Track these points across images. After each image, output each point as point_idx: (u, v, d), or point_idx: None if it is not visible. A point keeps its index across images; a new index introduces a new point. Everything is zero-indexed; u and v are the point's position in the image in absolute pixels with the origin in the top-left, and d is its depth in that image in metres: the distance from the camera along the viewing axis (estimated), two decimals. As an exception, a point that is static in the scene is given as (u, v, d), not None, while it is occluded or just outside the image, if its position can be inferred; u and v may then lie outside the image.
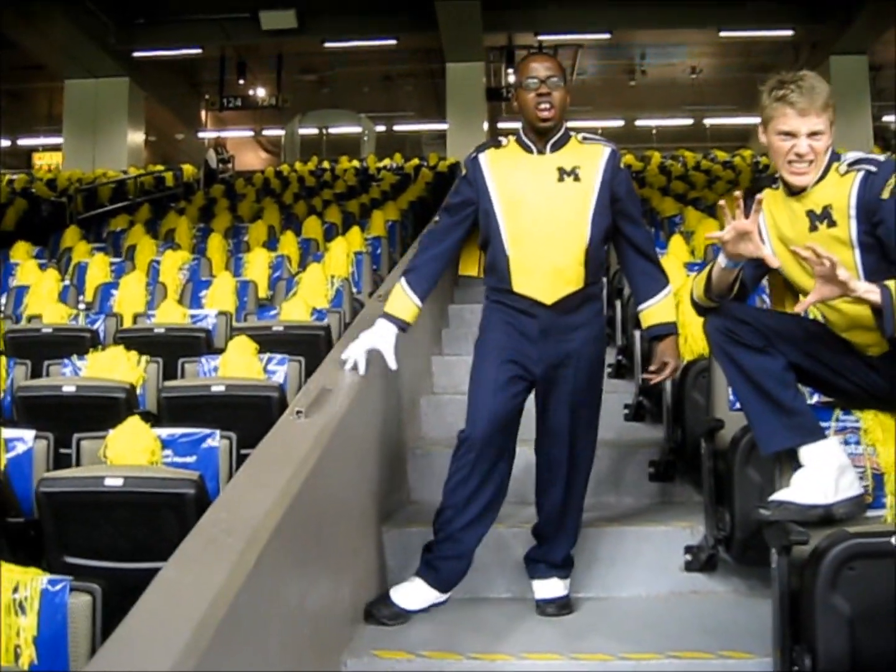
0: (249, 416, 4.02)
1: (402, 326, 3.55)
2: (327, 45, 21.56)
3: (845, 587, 2.55)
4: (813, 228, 2.89)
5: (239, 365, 4.57)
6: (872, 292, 2.65)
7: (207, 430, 3.56)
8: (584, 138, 3.52)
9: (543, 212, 3.39)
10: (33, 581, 2.29)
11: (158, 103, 23.70)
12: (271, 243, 9.30)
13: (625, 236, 3.54)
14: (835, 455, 2.87)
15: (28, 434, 3.65)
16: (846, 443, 3.00)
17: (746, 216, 2.87)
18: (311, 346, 5.18)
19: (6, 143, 26.24)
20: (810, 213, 2.89)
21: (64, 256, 9.36)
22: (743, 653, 3.10)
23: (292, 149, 25.52)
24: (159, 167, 19.95)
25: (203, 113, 26.97)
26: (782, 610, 2.71)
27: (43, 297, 6.90)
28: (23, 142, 27.36)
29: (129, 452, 3.39)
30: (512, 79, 23.07)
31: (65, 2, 17.85)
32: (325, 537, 3.10)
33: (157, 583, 2.20)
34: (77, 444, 3.63)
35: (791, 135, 2.86)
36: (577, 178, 3.42)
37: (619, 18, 20.05)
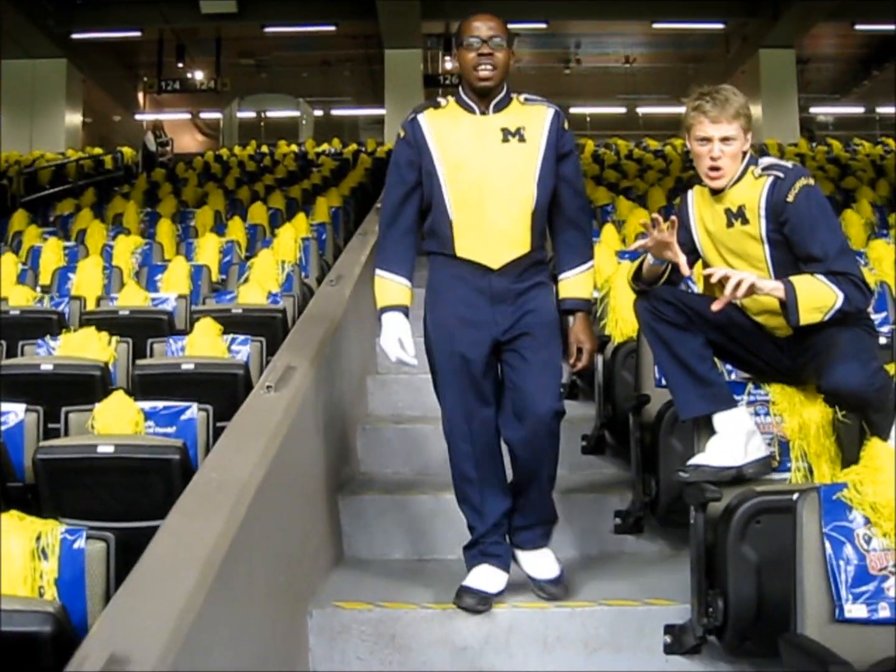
0: (217, 391, 4.32)
1: (406, 312, 3.41)
2: (267, 30, 21.65)
3: (753, 539, 2.88)
4: (729, 224, 3.27)
5: (205, 345, 4.88)
6: (777, 290, 3.08)
7: (186, 404, 3.88)
8: (527, 99, 3.40)
9: (488, 173, 3.27)
10: (53, 530, 2.61)
11: (96, 85, 23.57)
12: (219, 228, 9.54)
13: (559, 202, 3.41)
14: (744, 422, 3.25)
15: (19, 407, 3.94)
16: (756, 413, 3.37)
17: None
18: (269, 327, 5.52)
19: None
20: (728, 211, 3.27)
21: (14, 240, 9.54)
22: (665, 600, 3.43)
23: (231, 132, 25.61)
24: (98, 150, 19.89)
25: (141, 95, 26.87)
26: (699, 560, 3.07)
27: (2, 281, 7.12)
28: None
29: (116, 423, 3.70)
30: (449, 66, 23.40)
31: (1, -18, 17.77)
32: (295, 498, 3.46)
33: (164, 530, 2.54)
34: (65, 416, 3.94)
35: (706, 140, 3.23)
36: (521, 139, 3.32)
37: (556, 9, 20.26)
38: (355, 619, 3.41)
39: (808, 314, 3.09)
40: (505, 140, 3.31)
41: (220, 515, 2.59)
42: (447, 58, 23.06)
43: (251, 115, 26.87)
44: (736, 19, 21.48)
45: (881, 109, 27.12)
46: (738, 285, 3.03)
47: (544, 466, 3.40)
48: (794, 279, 3.10)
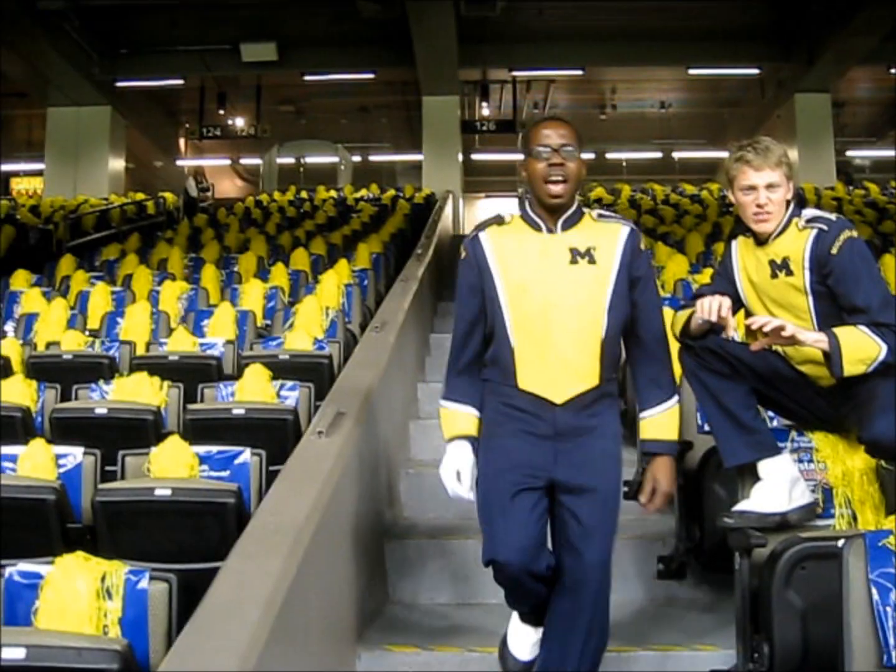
0: (267, 436, 4.44)
1: (472, 441, 3.15)
2: (306, 77, 21.94)
3: (798, 584, 2.94)
4: (773, 276, 3.34)
5: (255, 390, 5.00)
6: (821, 341, 3.13)
7: (239, 448, 3.98)
8: (600, 216, 3.14)
9: (554, 298, 3.00)
10: (118, 571, 2.71)
11: (138, 131, 23.89)
12: (262, 274, 9.71)
13: (636, 331, 3.15)
14: (788, 468, 3.31)
15: (77, 450, 4.06)
16: (800, 460, 3.44)
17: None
18: (316, 373, 5.62)
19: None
20: (772, 263, 3.34)
21: (62, 285, 9.74)
22: (710, 646, 3.52)
23: (270, 178, 25.89)
24: (140, 195, 20.20)
25: (182, 141, 27.25)
26: (744, 606, 3.14)
27: (52, 325, 7.30)
28: (3, 167, 27.54)
29: (172, 467, 3.81)
30: (486, 111, 23.59)
31: (50, 32, 18.03)
32: (345, 541, 3.55)
33: (225, 571, 2.64)
34: (122, 459, 4.05)
35: (752, 188, 3.28)
36: (592, 261, 3.03)
37: (592, 55, 20.44)
38: (403, 661, 3.51)
39: (852, 366, 3.13)
40: (573, 262, 3.04)
41: (279, 557, 2.68)
42: (483, 104, 23.24)
43: (290, 160, 27.16)
44: (771, 64, 21.42)
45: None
46: (778, 329, 3.08)
47: (590, 620, 3.08)
48: (838, 330, 3.15)
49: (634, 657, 3.47)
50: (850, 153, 26.85)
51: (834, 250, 3.22)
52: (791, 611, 2.95)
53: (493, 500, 3.02)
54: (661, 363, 3.19)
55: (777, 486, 3.29)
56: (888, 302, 3.25)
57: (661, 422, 3.17)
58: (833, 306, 3.27)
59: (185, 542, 3.45)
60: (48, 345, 6.85)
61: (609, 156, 26.55)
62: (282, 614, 2.47)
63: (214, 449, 3.98)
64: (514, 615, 3.32)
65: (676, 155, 27.66)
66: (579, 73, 21.56)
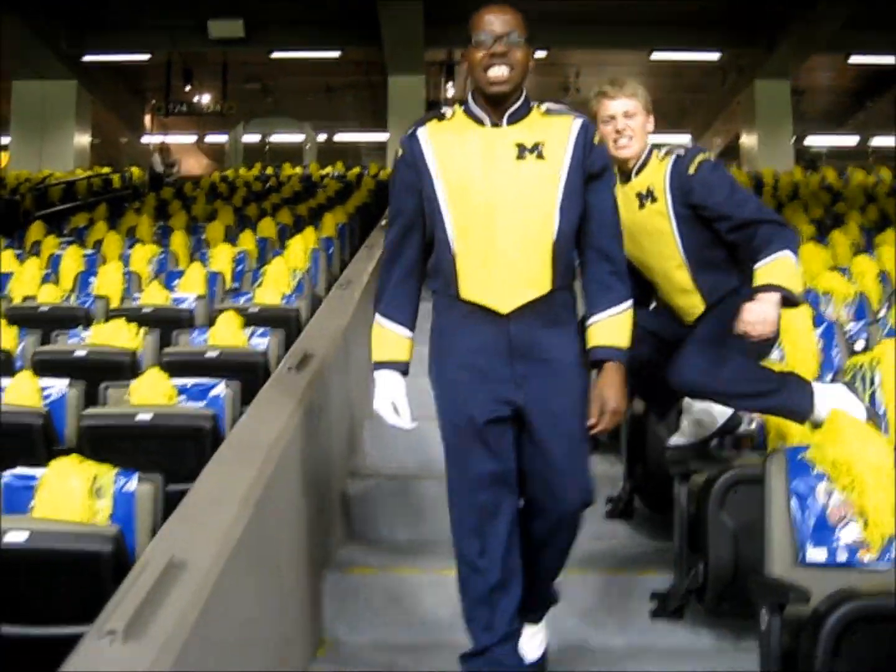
0: (239, 378, 4.66)
1: (403, 369, 2.91)
2: (273, 55, 22.06)
3: (731, 507, 3.19)
4: (641, 206, 3.44)
5: (227, 336, 5.24)
6: (771, 301, 3.18)
7: (215, 381, 4.23)
8: (549, 109, 2.85)
9: (499, 197, 2.74)
10: (108, 473, 2.96)
11: (104, 107, 23.92)
12: (230, 240, 9.93)
13: (587, 232, 2.86)
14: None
15: (62, 382, 4.30)
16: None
17: None
18: (286, 324, 5.88)
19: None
20: (639, 195, 3.45)
21: (33, 248, 9.92)
22: (651, 571, 3.66)
23: (235, 155, 26.00)
24: (106, 169, 20.30)
25: (147, 117, 27.27)
26: (681, 529, 3.43)
27: (26, 283, 7.50)
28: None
29: (151, 396, 4.04)
30: (451, 92, 23.76)
31: (17, 4, 18.12)
32: (313, 464, 3.77)
33: (205, 475, 2.88)
34: (104, 391, 4.29)
35: (611, 118, 3.39)
36: (540, 156, 2.76)
37: (555, 38, 20.63)
38: (363, 582, 3.70)
39: (796, 285, 3.23)
40: (520, 157, 2.77)
41: (252, 467, 2.89)
42: (449, 84, 23.44)
43: (256, 138, 27.28)
44: (732, 50, 21.81)
45: (875, 140, 27.64)
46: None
47: (557, 563, 3.01)
48: (767, 278, 3.23)
49: (581, 579, 3.57)
50: (809, 140, 27.33)
51: (691, 170, 3.36)
52: (724, 531, 3.15)
53: (453, 450, 2.86)
54: (614, 267, 2.87)
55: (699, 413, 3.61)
56: (759, 203, 3.45)
57: (610, 325, 2.84)
58: (694, 230, 3.40)
59: (164, 464, 3.65)
60: (25, 299, 7.07)
61: (571, 138, 26.72)
62: (257, 512, 2.70)
63: (191, 382, 4.23)
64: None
65: (638, 139, 27.92)
66: (542, 54, 21.76)
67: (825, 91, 26.27)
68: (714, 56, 22.32)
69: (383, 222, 10.17)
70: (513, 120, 2.81)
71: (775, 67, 21.06)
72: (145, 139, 27.18)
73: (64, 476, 2.92)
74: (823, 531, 2.75)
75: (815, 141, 27.86)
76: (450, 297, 2.82)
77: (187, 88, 23.75)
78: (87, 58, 21.53)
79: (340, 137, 28.49)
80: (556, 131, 2.81)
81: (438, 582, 3.56)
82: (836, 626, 2.36)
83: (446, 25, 19.81)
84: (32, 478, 3.00)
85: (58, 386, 4.28)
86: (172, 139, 27.68)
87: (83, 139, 22.68)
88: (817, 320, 5.09)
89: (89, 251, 9.18)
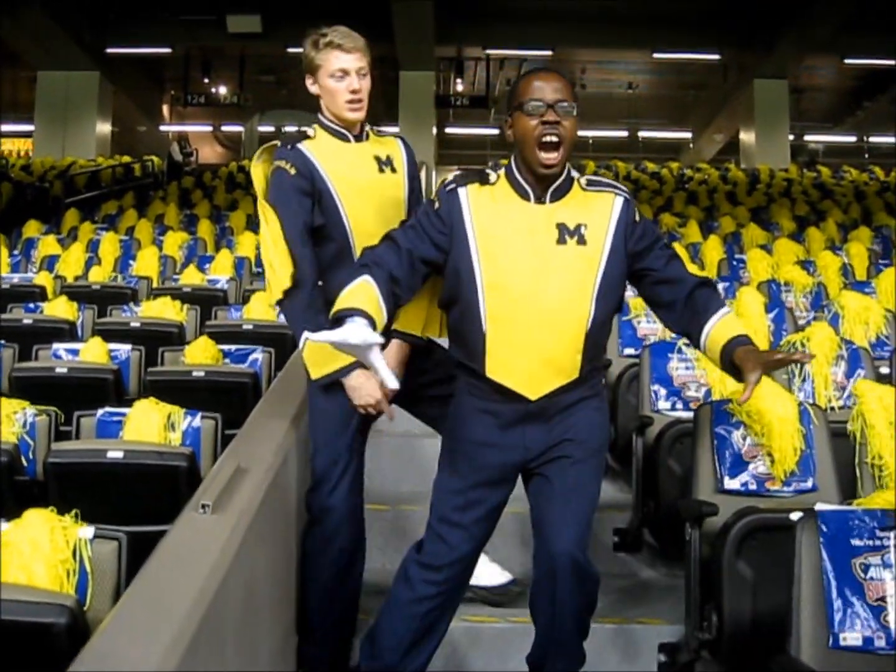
0: (271, 344, 5.42)
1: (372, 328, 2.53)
2: (289, 50, 22.75)
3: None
4: (381, 171, 3.22)
5: (259, 311, 6.08)
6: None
7: (254, 346, 5.06)
8: (590, 182, 2.77)
9: (536, 282, 2.65)
10: (178, 412, 3.77)
11: (125, 97, 24.61)
12: (253, 228, 10.72)
13: (668, 286, 2.80)
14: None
15: (126, 346, 5.15)
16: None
17: None
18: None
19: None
20: (377, 159, 3.22)
21: (71, 234, 10.78)
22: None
23: (251, 145, 26.70)
24: (127, 158, 21.08)
25: (166, 107, 28.02)
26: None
27: (73, 265, 8.36)
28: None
29: (202, 356, 4.85)
30: (461, 87, 24.42)
31: (45, -1, 18.93)
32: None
33: (256, 413, 3.59)
34: (161, 354, 5.14)
35: (345, 73, 3.09)
36: (581, 241, 2.68)
37: (561, 37, 21.34)
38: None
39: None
40: (560, 241, 2.68)
41: (289, 411, 3.43)
42: (458, 80, 24.10)
43: (270, 129, 28.00)
44: (732, 50, 22.40)
45: (872, 138, 28.32)
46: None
47: (567, 622, 2.79)
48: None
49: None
50: (807, 137, 27.98)
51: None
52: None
53: (449, 514, 2.84)
54: (708, 291, 2.82)
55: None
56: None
57: (728, 322, 2.78)
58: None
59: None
60: (76, 278, 7.94)
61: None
62: (296, 437, 3.34)
63: (234, 347, 5.06)
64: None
65: (641, 134, 28.58)
66: (548, 53, 22.39)
67: (824, 90, 26.88)
68: (714, 56, 22.89)
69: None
70: (556, 196, 2.73)
71: (773, 67, 21.64)
72: (164, 128, 27.94)
73: (146, 412, 3.75)
74: (739, 466, 3.47)
75: (812, 139, 28.47)
76: (474, 373, 2.76)
77: (205, 80, 24.45)
78: (110, 50, 22.28)
79: (352, 130, 29.06)
80: (598, 211, 2.74)
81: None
82: (738, 533, 2.98)
83: (456, 23, 20.58)
84: (120, 414, 3.83)
85: (123, 349, 5.13)
86: (190, 128, 28.42)
87: (104, 128, 23.42)
88: (769, 306, 5.87)
89: (123, 237, 10.02)
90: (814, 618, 2.42)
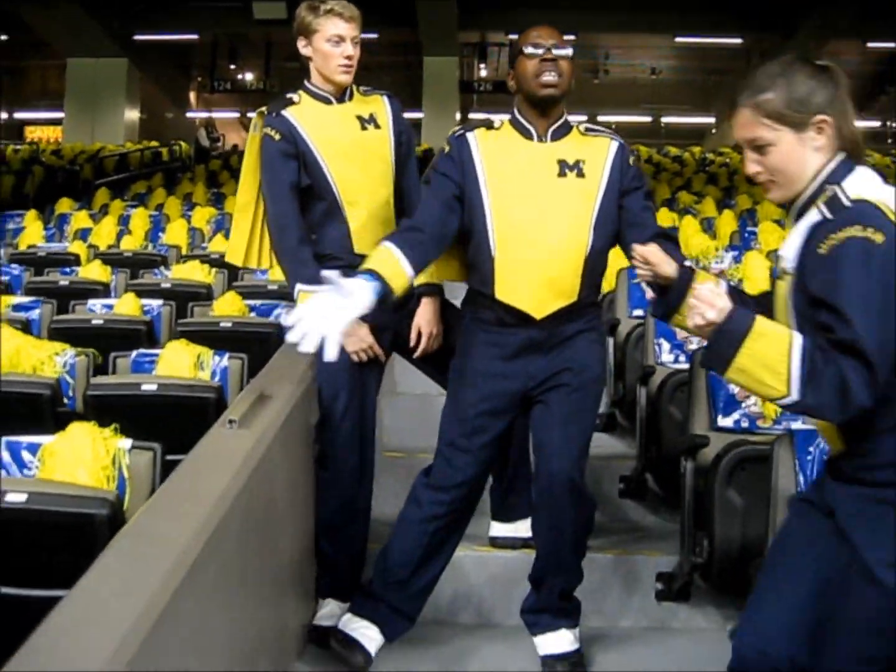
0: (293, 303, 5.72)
1: (385, 292, 2.60)
2: (314, 36, 22.96)
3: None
4: (363, 128, 3.41)
5: (280, 275, 6.35)
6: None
7: (277, 302, 5.33)
8: (588, 129, 3.00)
9: (539, 210, 2.89)
10: (208, 353, 4.06)
11: (152, 83, 24.95)
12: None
13: (633, 234, 2.89)
14: None
15: (157, 302, 5.45)
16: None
17: None
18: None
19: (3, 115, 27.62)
20: (359, 118, 3.43)
21: (102, 210, 11.10)
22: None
23: (277, 131, 26.97)
24: (154, 143, 21.39)
25: (192, 94, 28.35)
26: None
27: (105, 237, 8.68)
28: (17, 115, 28.70)
29: (230, 309, 5.13)
30: (484, 73, 24.58)
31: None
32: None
33: (277, 356, 3.81)
34: (191, 309, 5.43)
35: (342, 39, 3.30)
36: (580, 174, 2.92)
37: (585, 22, 21.31)
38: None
39: None
40: (561, 174, 2.92)
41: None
42: (481, 65, 24.31)
43: (296, 115, 28.23)
44: (753, 35, 22.56)
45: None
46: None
47: (565, 541, 3.06)
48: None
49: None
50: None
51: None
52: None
53: (456, 436, 3.03)
54: (670, 245, 2.75)
55: None
56: None
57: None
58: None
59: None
60: (109, 247, 8.26)
61: (600, 118, 27.49)
62: (313, 374, 3.52)
63: (258, 302, 5.34)
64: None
65: (664, 120, 28.69)
66: (572, 37, 22.53)
67: (847, 75, 26.76)
68: (735, 40, 23.03)
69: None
70: (556, 136, 2.96)
71: (795, 52, 21.56)
72: (190, 115, 28.25)
73: (177, 352, 4.03)
74: (732, 405, 3.69)
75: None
76: (484, 296, 2.97)
77: (232, 67, 24.79)
78: (137, 37, 22.61)
79: (377, 116, 29.25)
80: (595, 151, 2.97)
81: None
82: (729, 463, 3.19)
83: (480, 8, 20.76)
84: (153, 354, 4.13)
85: (155, 304, 5.43)
86: (216, 115, 28.68)
87: (132, 114, 23.77)
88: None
89: (153, 213, 10.33)
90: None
